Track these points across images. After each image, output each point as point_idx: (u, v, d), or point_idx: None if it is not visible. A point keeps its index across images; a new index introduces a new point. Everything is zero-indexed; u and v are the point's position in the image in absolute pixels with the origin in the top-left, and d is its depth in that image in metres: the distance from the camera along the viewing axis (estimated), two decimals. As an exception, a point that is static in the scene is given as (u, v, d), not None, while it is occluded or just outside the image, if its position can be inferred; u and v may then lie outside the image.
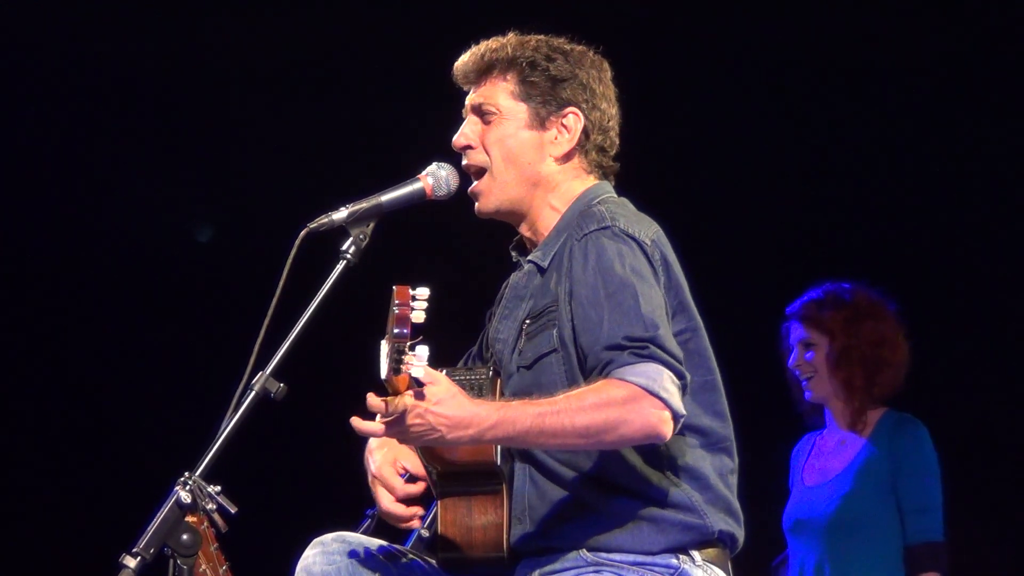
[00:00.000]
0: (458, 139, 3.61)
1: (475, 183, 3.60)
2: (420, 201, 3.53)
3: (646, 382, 3.22)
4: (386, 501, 3.54)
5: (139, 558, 3.09)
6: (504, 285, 3.71)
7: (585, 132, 3.58)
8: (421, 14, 6.72)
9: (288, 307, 3.31)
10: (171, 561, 3.14)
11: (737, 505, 3.47)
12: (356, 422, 3.24)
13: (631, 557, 3.36)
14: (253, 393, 3.23)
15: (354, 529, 3.64)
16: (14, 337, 7.09)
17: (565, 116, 3.57)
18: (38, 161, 7.02)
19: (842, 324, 5.45)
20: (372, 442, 3.58)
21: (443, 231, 6.27)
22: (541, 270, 3.52)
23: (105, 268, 7.09)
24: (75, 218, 7.06)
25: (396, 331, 3.09)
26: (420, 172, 3.55)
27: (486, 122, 3.58)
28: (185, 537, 3.14)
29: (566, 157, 3.59)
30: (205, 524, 3.21)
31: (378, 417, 3.21)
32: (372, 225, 3.44)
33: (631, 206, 3.56)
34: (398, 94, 6.76)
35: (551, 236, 3.56)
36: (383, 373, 3.18)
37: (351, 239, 3.42)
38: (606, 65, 3.65)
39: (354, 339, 6.56)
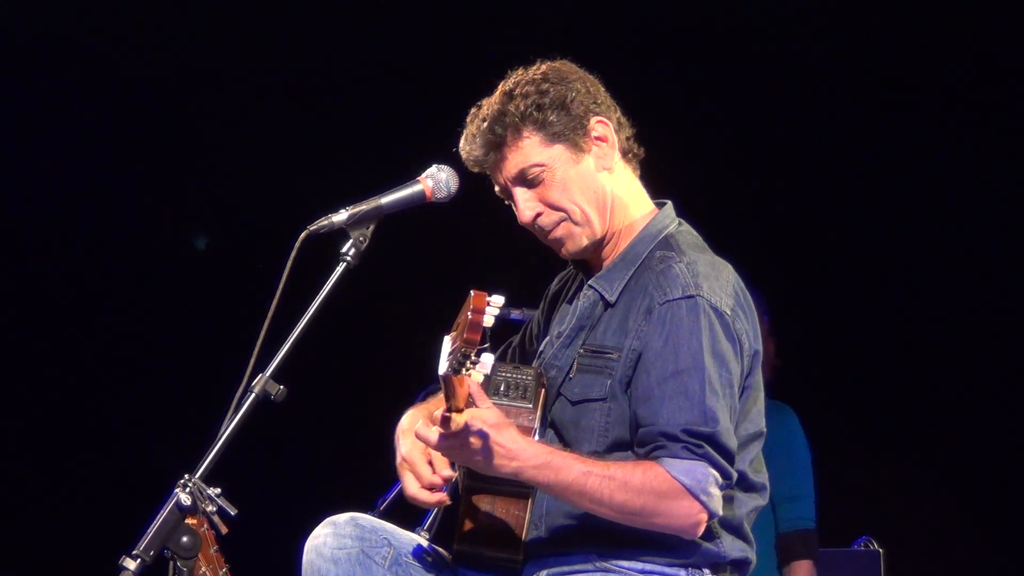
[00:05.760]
0: (525, 214, 3.51)
1: (558, 234, 3.52)
2: (420, 203, 3.51)
3: (692, 483, 3.26)
4: (412, 487, 3.47)
5: (139, 560, 3.09)
6: (557, 288, 3.72)
7: (614, 130, 3.54)
8: (420, 14, 6.71)
9: (288, 309, 3.31)
10: (171, 563, 3.14)
11: (751, 534, 3.47)
12: (421, 429, 3.26)
13: (639, 565, 3.37)
14: (253, 395, 3.23)
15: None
16: (15, 339, 7.09)
17: (593, 129, 3.51)
18: (40, 165, 7.02)
19: None
20: (403, 423, 3.53)
21: (443, 232, 6.27)
22: (607, 303, 3.48)
23: (106, 270, 7.09)
24: (75, 218, 7.06)
25: (467, 336, 3.11)
26: (420, 174, 3.54)
27: (536, 183, 3.49)
28: (185, 539, 3.14)
29: (613, 163, 3.54)
30: (205, 526, 3.21)
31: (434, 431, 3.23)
32: (372, 227, 3.41)
33: (699, 240, 3.53)
34: (398, 94, 6.76)
35: (616, 264, 3.52)
36: (442, 369, 3.19)
37: (351, 241, 3.40)
38: (572, 63, 3.58)
39: (354, 341, 6.59)
